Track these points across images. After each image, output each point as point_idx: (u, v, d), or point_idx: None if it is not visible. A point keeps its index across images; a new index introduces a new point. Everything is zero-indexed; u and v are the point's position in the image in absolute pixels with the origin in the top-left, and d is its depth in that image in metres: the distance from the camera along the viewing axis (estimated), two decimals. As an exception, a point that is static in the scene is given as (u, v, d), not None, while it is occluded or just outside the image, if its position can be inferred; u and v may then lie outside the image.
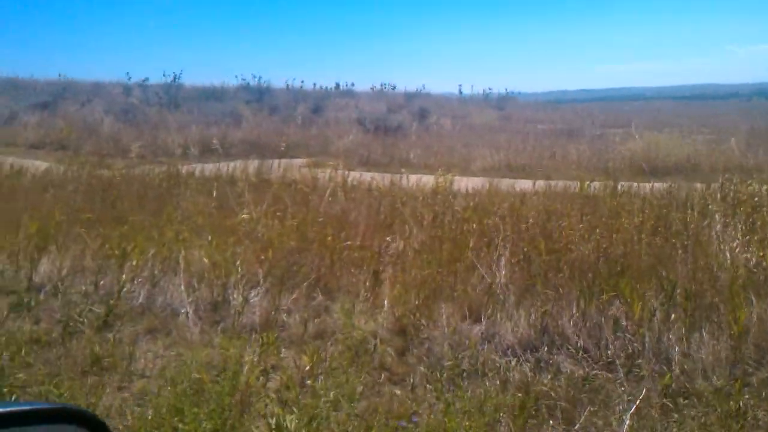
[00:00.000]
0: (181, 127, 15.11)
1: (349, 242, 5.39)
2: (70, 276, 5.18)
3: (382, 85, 31.56)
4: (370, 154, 11.33)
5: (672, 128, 19.09)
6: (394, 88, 30.43)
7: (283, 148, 12.76)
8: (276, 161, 11.10)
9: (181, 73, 27.52)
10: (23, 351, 3.95)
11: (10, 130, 16.55)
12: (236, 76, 27.68)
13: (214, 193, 7.14)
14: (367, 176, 7.79)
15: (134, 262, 5.06)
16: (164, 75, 28.23)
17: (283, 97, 24.05)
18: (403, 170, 8.00)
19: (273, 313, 4.50)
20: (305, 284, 4.92)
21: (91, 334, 4.24)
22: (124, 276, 4.88)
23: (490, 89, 28.32)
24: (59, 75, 27.85)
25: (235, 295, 4.73)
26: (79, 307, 4.65)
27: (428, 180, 8.03)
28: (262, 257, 5.17)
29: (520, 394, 3.47)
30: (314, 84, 29.24)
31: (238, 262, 4.87)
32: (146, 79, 23.59)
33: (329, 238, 5.44)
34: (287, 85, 28.90)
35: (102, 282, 4.98)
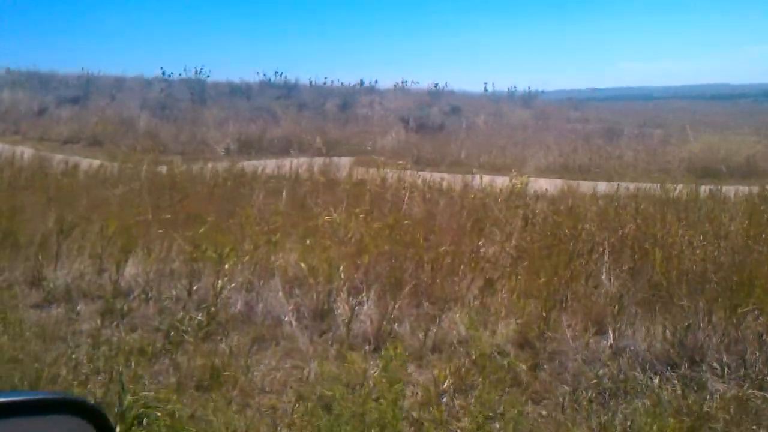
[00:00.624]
0: (218, 123, 14.89)
1: (443, 247, 5.12)
2: (156, 280, 4.94)
3: (403, 82, 31.27)
4: (420, 153, 11.07)
5: (707, 127, 18.74)
6: (418, 83, 30.10)
7: (322, 146, 12.49)
8: (319, 159, 10.88)
9: (202, 69, 27.34)
10: (132, 363, 3.72)
11: (41, 124, 16.38)
12: (257, 72, 27.33)
13: (284, 193, 6.90)
14: (436, 176, 7.51)
15: (226, 266, 4.82)
16: (185, 70, 28.10)
17: (310, 93, 23.78)
18: (474, 170, 7.73)
19: (384, 322, 4.24)
20: (406, 291, 4.67)
21: (196, 344, 4.01)
22: (220, 282, 4.64)
23: (515, 87, 27.90)
24: (82, 69, 27.63)
25: (339, 303, 4.49)
26: (175, 314, 4.42)
27: (495, 180, 7.76)
28: (358, 262, 4.91)
29: (685, 418, 3.21)
30: (338, 81, 28.88)
31: (341, 268, 4.62)
32: (170, 74, 23.33)
33: (423, 242, 5.18)
34: (311, 81, 28.65)
35: (195, 287, 4.74)
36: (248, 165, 9.75)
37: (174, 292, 4.74)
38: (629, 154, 11.36)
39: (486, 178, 7.76)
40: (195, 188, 7.17)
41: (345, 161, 10.73)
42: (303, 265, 4.83)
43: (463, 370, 3.73)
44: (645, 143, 13.54)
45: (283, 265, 4.81)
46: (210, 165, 8.69)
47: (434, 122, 14.29)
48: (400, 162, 7.46)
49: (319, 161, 10.32)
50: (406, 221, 5.74)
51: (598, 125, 18.90)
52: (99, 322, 4.34)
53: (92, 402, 1.24)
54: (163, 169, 8.27)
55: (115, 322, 4.35)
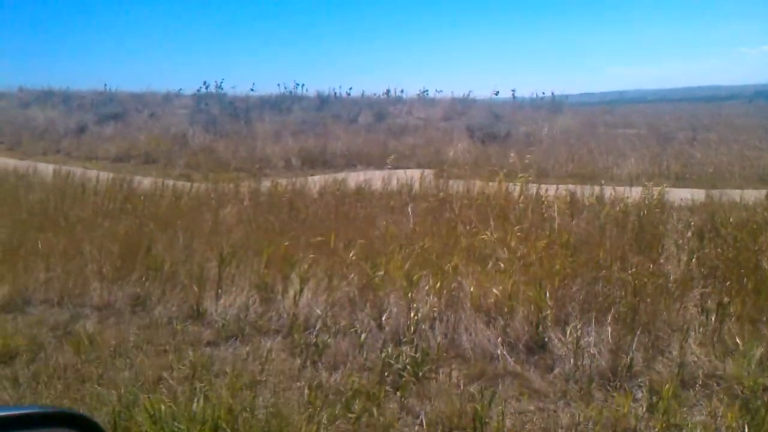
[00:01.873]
0: (269, 137, 14.50)
1: (633, 269, 4.71)
2: (329, 309, 4.53)
3: (423, 91, 30.99)
4: (503, 164, 10.64)
5: (749, 130, 18.40)
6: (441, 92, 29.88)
7: (389, 158, 12.10)
8: (397, 172, 10.49)
9: (222, 82, 27.00)
10: (355, 408, 3.31)
11: (84, 142, 15.97)
12: (278, 85, 27.02)
13: (410, 210, 6.50)
14: (549, 188, 7.12)
15: (410, 294, 4.41)
16: (204, 85, 27.78)
17: (342, 105, 23.43)
18: (602, 181, 7.33)
19: (619, 355, 3.82)
20: (609, 317, 4.25)
21: (420, 384, 3.60)
22: (413, 313, 4.23)
23: (543, 93, 27.55)
24: (105, 86, 27.35)
25: (551, 333, 4.08)
26: (373, 349, 4.01)
27: (612, 190, 7.36)
28: (548, 286, 4.50)
29: None
30: (363, 92, 28.59)
31: (546, 294, 4.21)
32: (206, 89, 22.99)
33: (610, 262, 4.78)
34: (334, 92, 28.33)
35: (384, 317, 4.32)
36: (327, 180, 9.33)
37: (358, 324, 4.32)
38: (711, 158, 10.98)
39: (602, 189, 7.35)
40: (313, 207, 6.76)
41: (416, 173, 10.31)
42: (495, 291, 4.43)
43: (736, 408, 3.32)
44: (721, 148, 13.14)
45: (475, 293, 4.39)
46: (284, 181, 8.24)
47: (500, 132, 13.91)
48: (522, 175, 7.04)
49: (398, 174, 9.91)
50: (568, 239, 5.33)
51: (645, 130, 18.56)
52: (295, 361, 3.93)
53: (87, 414, 1.20)
54: (248, 186, 7.86)
55: (310, 361, 3.94)
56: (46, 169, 10.56)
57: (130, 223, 6.28)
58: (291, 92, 27.14)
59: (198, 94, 27.29)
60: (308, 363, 3.92)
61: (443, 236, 5.52)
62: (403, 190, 7.54)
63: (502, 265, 4.78)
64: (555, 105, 26.94)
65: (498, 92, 23.27)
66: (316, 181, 8.36)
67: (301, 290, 4.47)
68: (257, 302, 4.67)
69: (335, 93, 27.71)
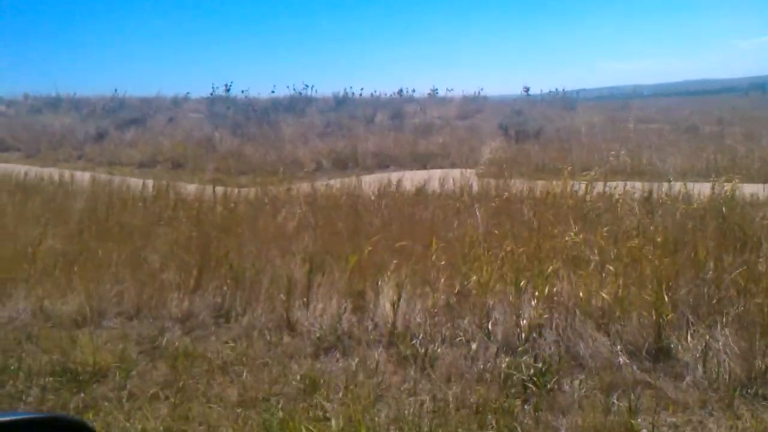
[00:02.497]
0: (298, 139, 14.29)
1: (739, 269, 4.50)
2: (424, 316, 4.32)
3: (433, 90, 30.80)
4: (543, 162, 10.44)
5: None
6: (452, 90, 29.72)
7: (422, 159, 11.89)
8: (426, 172, 10.30)
9: (231, 85, 26.80)
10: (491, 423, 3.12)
11: (106, 148, 15.75)
12: (288, 87, 26.74)
13: (478, 212, 6.29)
14: (612, 185, 6.91)
15: (516, 300, 4.20)
16: (213, 88, 27.57)
17: (357, 105, 23.22)
18: (670, 178, 7.12)
19: (751, 361, 3.61)
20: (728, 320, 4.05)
21: (550, 397, 3.39)
22: (524, 320, 4.02)
23: (563, 89, 27.22)
24: (115, 91, 27.12)
25: (674, 339, 3.88)
26: (488, 359, 3.80)
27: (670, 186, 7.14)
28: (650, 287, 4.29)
29: None
30: (375, 92, 28.40)
31: (665, 297, 4.00)
32: (188, 93, 22.81)
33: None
34: (346, 92, 28.09)
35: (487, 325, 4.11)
36: (375, 181, 9.11)
37: (462, 332, 4.11)
38: (754, 153, 10.76)
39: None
40: (372, 209, 6.55)
41: (466, 174, 10.11)
42: (604, 294, 4.22)
43: None
44: (751, 143, 12.95)
45: (584, 297, 4.18)
46: (335, 183, 8.03)
47: (532, 129, 13.69)
48: (585, 172, 6.84)
49: (437, 174, 9.71)
50: (665, 238, 5.12)
51: (668, 125, 18.36)
52: (407, 373, 3.72)
53: (84, 420, 1.20)
54: (298, 189, 7.65)
55: (421, 372, 3.73)
56: (82, 176, 10.34)
57: (190, 230, 6.06)
58: (301, 94, 26.96)
59: (210, 98, 27.13)
60: (420, 375, 3.71)
61: (524, 238, 5.30)
62: (460, 191, 7.31)
63: (610, 267, 4.56)
64: (568, 101, 26.74)
65: (528, 89, 22.84)
66: (368, 182, 8.14)
67: (398, 297, 4.24)
68: (348, 310, 4.46)
69: (351, 93, 27.55)
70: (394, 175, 9.98)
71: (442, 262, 4.69)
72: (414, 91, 28.55)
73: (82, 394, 3.57)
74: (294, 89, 26.56)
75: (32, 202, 7.54)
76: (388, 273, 4.56)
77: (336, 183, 8.81)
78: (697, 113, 23.21)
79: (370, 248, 4.96)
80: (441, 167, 11.82)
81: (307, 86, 26.14)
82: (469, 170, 10.60)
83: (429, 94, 30.50)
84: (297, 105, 22.88)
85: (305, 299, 4.51)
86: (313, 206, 6.92)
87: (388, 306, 4.37)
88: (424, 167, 11.95)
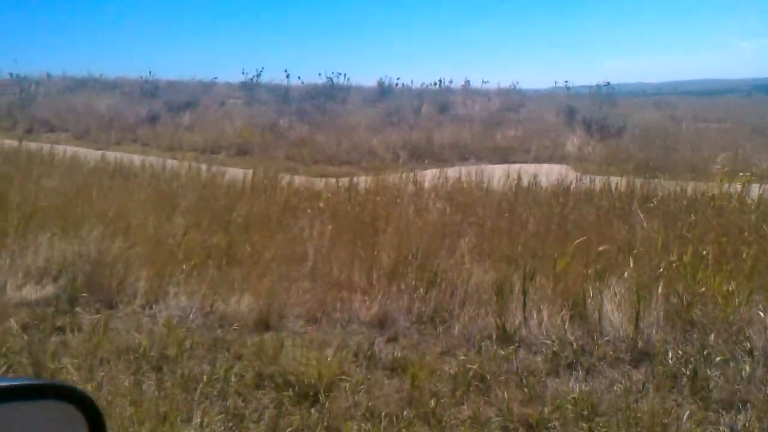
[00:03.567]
0: (364, 129, 13.86)
1: None
2: (665, 329, 3.91)
3: (466, 82, 30.23)
4: (647, 160, 9.97)
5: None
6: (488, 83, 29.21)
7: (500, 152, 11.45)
8: (514, 166, 9.85)
9: (261, 72, 26.29)
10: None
11: (159, 132, 15.31)
12: (320, 74, 25.97)
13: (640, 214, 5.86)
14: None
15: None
16: (244, 73, 27.03)
17: (401, 96, 22.73)
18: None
19: None
20: None
21: None
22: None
23: (607, 83, 26.59)
24: (149, 73, 26.61)
25: None
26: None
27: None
28: None
29: None
30: (410, 82, 27.81)
31: None
32: (215, 78, 22.29)
33: None
34: (381, 82, 27.53)
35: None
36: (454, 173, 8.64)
37: (718, 350, 3.70)
38: None
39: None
40: (523, 207, 6.12)
41: (563, 170, 9.69)
42: None
43: None
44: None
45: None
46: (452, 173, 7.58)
47: (615, 125, 13.22)
48: (742, 173, 6.41)
49: (529, 169, 9.24)
50: None
51: (729, 124, 17.88)
52: (681, 399, 3.31)
53: (79, 388, 1.10)
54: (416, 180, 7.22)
55: (693, 398, 3.32)
56: (157, 161, 9.90)
57: (335, 224, 5.66)
58: (333, 82, 26.33)
59: (245, 83, 26.63)
60: (697, 400, 3.30)
61: (720, 244, 4.88)
62: (598, 190, 6.87)
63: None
64: (611, 97, 26.11)
65: (609, 83, 22.20)
66: (464, 173, 7.66)
67: (639, 307, 3.83)
68: (567, 320, 4.05)
69: (383, 82, 26.95)
70: (491, 168, 9.54)
71: (660, 269, 4.26)
72: (451, 82, 28.01)
73: (320, 413, 3.18)
74: (326, 77, 25.98)
75: (141, 189, 7.13)
76: (608, 279, 4.14)
77: (428, 174, 8.30)
78: (740, 113, 22.73)
79: (570, 251, 4.53)
80: (524, 161, 11.38)
81: (339, 74, 25.47)
82: (560, 165, 10.15)
83: (463, 85, 29.98)
84: (338, 94, 22.38)
85: (518, 306, 4.10)
86: (444, 199, 6.50)
87: (617, 316, 3.96)
88: (505, 161, 11.50)
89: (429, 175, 7.78)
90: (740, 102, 28.71)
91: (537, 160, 11.39)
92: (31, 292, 4.81)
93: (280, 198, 6.64)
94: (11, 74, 23.81)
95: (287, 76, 23.08)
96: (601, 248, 4.49)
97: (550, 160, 11.21)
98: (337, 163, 11.42)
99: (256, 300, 4.43)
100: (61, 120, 17.55)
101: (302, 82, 22.62)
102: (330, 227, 5.86)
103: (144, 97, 21.42)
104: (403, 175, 7.60)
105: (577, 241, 4.49)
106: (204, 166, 8.56)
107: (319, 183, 7.71)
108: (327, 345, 3.92)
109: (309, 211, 6.48)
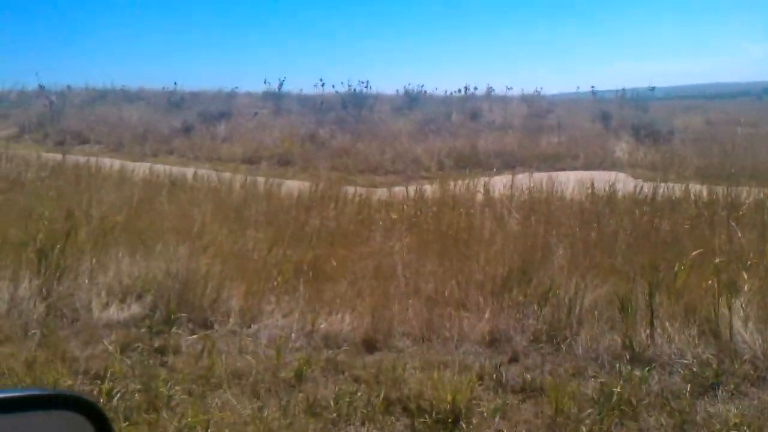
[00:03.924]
0: (403, 137, 13.71)
1: None
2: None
3: (489, 88, 30.03)
4: (707, 166, 9.70)
5: None
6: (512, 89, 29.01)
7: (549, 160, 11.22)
8: (582, 174, 9.61)
9: (284, 81, 26.28)
10: None
11: (195, 143, 15.23)
12: (342, 83, 25.89)
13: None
14: None
15: None
16: (266, 83, 27.01)
17: (431, 104, 22.57)
18: None
19: None
20: None
21: None
22: None
23: (624, 89, 26.27)
24: (175, 84, 26.67)
25: None
26: None
27: None
28: None
29: None
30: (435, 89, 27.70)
31: None
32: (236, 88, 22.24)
33: None
34: (405, 90, 27.39)
35: None
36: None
37: None
38: None
39: None
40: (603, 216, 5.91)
41: (620, 177, 9.46)
42: None
43: None
44: None
45: None
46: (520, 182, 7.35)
47: (664, 130, 12.96)
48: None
49: (582, 175, 8.98)
50: None
51: (752, 129, 17.46)
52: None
53: (87, 397, 1.10)
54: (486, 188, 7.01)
55: None
56: (210, 174, 9.78)
57: (415, 236, 5.48)
58: (356, 90, 26.18)
59: (268, 93, 26.59)
60: None
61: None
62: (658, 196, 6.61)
63: None
64: (641, 101, 25.78)
65: (653, 88, 22.00)
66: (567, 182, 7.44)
67: None
68: (695, 337, 3.83)
69: (406, 90, 26.77)
70: (545, 176, 9.32)
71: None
72: (476, 89, 27.79)
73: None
74: (349, 86, 25.80)
75: (203, 203, 6.99)
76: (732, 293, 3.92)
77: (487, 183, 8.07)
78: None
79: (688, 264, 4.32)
80: (573, 168, 11.15)
81: (361, 82, 25.26)
82: (615, 173, 9.92)
83: (486, 92, 29.78)
84: (366, 102, 22.23)
85: (642, 323, 3.89)
86: (520, 209, 6.29)
87: (751, 333, 3.74)
88: (553, 168, 11.28)
89: (498, 184, 7.58)
90: (756, 105, 28.24)
91: (588, 167, 11.15)
92: (117, 312, 4.67)
93: (350, 210, 6.47)
94: (41, 86, 23.85)
95: (322, 85, 22.96)
96: (717, 260, 4.25)
97: (601, 166, 10.98)
98: (383, 172, 11.27)
99: (359, 318, 4.26)
100: (93, 132, 17.54)
101: (336, 91, 22.39)
102: (407, 240, 5.71)
103: (171, 108, 21.40)
104: (470, 185, 7.41)
105: (694, 252, 4.26)
106: (261, 179, 8.41)
107: (380, 194, 7.53)
108: (446, 366, 3.73)
109: (381, 223, 6.32)
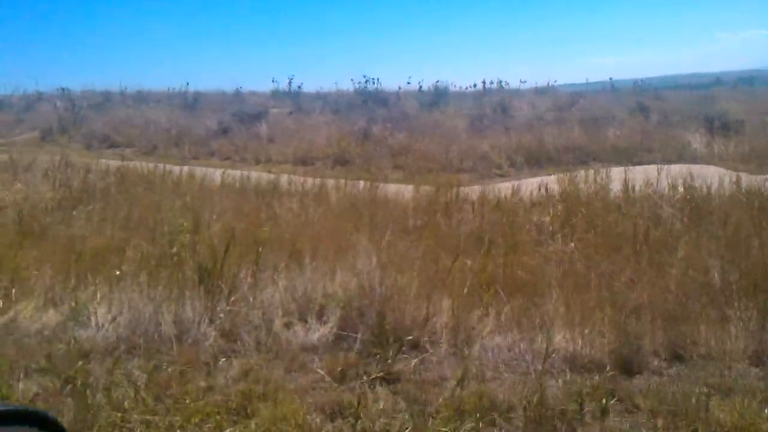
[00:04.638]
0: (459, 134, 13.29)
1: None
2: None
3: (500, 82, 29.66)
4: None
5: None
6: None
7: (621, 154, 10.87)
8: (676, 167, 9.25)
9: (293, 78, 25.76)
10: None
11: (235, 144, 14.65)
12: (351, 80, 25.41)
13: None
14: None
15: None
16: (273, 81, 26.44)
17: (458, 98, 22.17)
18: None
19: None
20: None
21: None
22: None
23: (641, 80, 25.98)
24: (187, 84, 25.98)
25: None
26: None
27: None
28: None
29: None
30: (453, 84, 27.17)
31: None
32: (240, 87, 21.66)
33: None
34: (419, 86, 26.95)
35: None
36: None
37: None
38: None
39: None
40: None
41: (709, 170, 9.12)
42: None
43: None
44: None
45: None
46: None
47: (736, 121, 12.64)
48: None
49: (675, 170, 8.61)
50: None
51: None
52: None
53: (47, 412, 1.08)
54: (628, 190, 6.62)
55: None
56: (287, 178, 9.26)
57: (582, 239, 5.07)
58: (367, 87, 25.64)
59: (277, 92, 26.06)
60: None
61: None
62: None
63: None
64: (657, 92, 25.58)
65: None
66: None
67: None
68: None
69: (420, 87, 26.28)
70: (639, 170, 8.94)
71: None
72: (492, 83, 27.34)
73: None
74: (359, 83, 25.18)
75: (323, 210, 6.53)
76: None
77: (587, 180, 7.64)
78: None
79: None
80: (651, 162, 10.78)
81: (369, 79, 24.68)
82: (710, 166, 9.58)
83: (498, 86, 29.40)
84: (389, 98, 21.75)
85: None
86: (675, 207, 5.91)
87: None
88: (630, 162, 10.91)
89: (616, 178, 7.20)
90: (733, 94, 28.08)
91: (667, 160, 10.78)
92: (304, 333, 4.20)
93: (494, 215, 6.04)
94: (62, 89, 23.06)
95: (364, 81, 22.40)
96: None
97: (681, 160, 10.64)
98: (453, 170, 10.81)
99: (599, 336, 3.84)
100: (121, 135, 16.87)
101: (363, 87, 21.84)
102: (578, 244, 5.30)
103: (191, 109, 20.77)
104: (596, 180, 7.03)
105: None
106: (362, 183, 7.91)
107: (498, 193, 7.11)
108: (732, 391, 3.33)
109: (526, 226, 5.91)
